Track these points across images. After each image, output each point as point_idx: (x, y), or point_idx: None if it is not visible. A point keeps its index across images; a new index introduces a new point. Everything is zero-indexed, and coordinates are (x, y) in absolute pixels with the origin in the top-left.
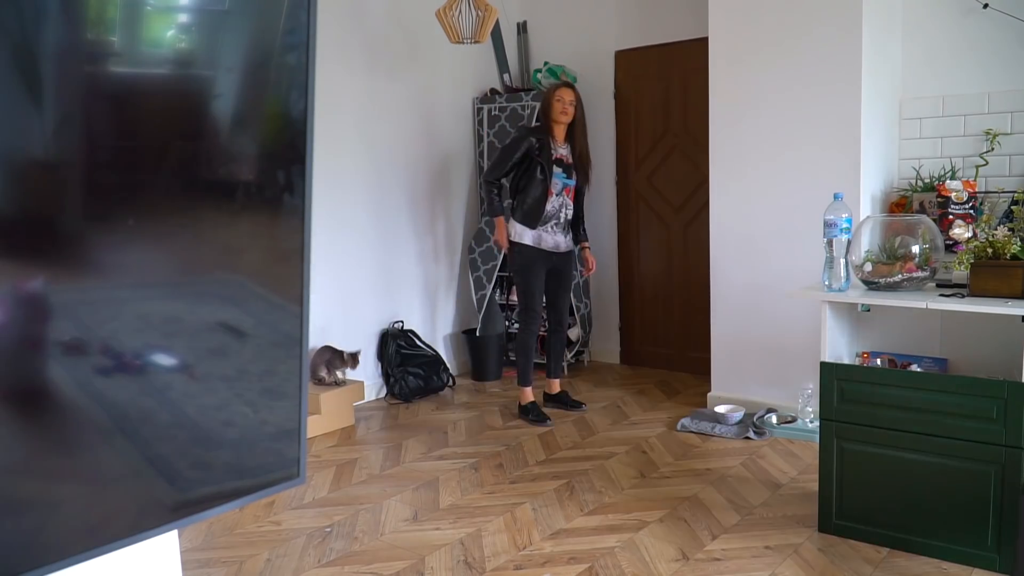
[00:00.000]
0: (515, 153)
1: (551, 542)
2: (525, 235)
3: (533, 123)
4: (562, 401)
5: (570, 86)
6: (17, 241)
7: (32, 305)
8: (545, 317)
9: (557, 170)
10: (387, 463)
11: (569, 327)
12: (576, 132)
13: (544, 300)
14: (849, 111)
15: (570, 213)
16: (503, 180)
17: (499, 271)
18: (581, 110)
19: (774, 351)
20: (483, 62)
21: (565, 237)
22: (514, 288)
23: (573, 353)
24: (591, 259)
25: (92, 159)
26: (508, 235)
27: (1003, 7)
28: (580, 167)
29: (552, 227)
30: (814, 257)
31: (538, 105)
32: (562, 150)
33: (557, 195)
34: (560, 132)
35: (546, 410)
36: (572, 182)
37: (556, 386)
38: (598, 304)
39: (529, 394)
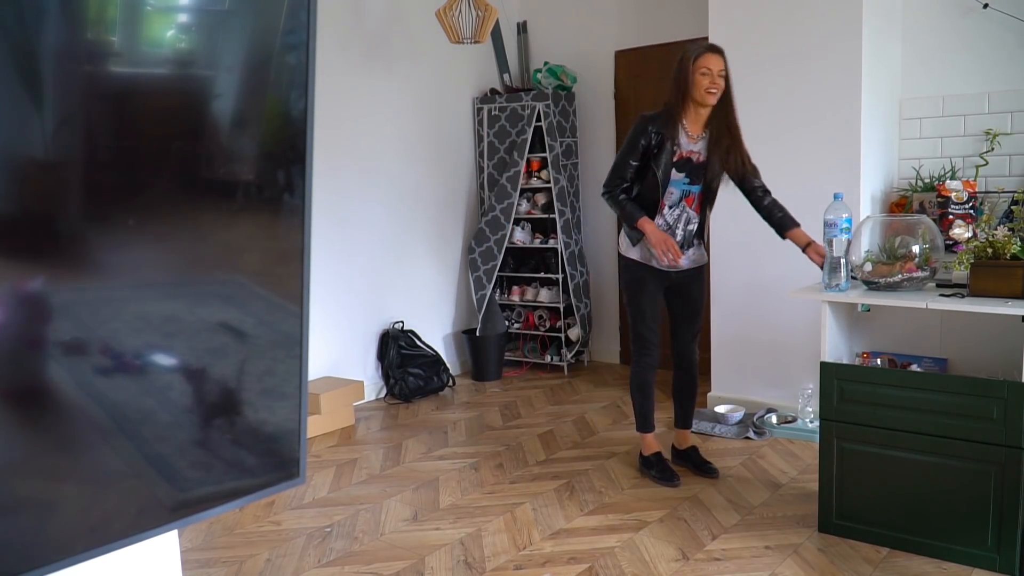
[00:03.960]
0: (633, 153)
1: (551, 542)
2: (631, 248)
3: (666, 105)
4: (691, 460)
5: (719, 51)
6: (17, 241)
7: (32, 305)
8: (671, 351)
9: (678, 175)
10: (387, 463)
11: (569, 327)
12: (723, 117)
13: (672, 327)
14: (849, 111)
15: (694, 228)
16: (627, 184)
17: (499, 271)
18: (730, 84)
19: (774, 351)
20: (483, 62)
21: (686, 251)
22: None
23: (573, 353)
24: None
25: (92, 159)
26: (633, 241)
27: (1003, 7)
28: (719, 164)
29: None
30: None
31: (539, 104)
32: (694, 145)
33: (672, 207)
34: (699, 118)
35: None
36: (697, 188)
37: (687, 438)
38: (598, 304)
39: (651, 443)
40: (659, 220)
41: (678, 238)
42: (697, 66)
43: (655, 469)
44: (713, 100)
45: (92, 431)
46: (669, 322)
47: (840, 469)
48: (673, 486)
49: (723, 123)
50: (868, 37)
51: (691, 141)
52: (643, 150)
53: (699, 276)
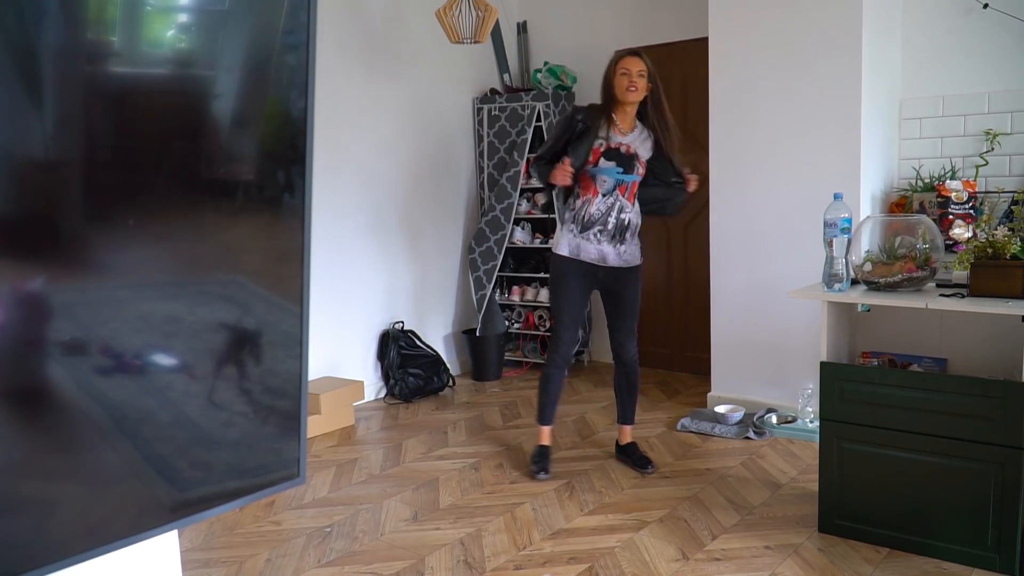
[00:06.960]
0: (560, 136)
1: (551, 542)
2: (561, 243)
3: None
4: (630, 456)
5: (637, 54)
6: (17, 241)
7: (32, 305)
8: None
9: (607, 163)
10: (387, 463)
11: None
12: (652, 114)
13: (581, 324)
14: (849, 111)
15: (627, 217)
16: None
17: (499, 271)
18: (657, 85)
19: (774, 351)
20: (483, 62)
21: (617, 247)
22: (511, 289)
23: (573, 353)
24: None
25: (92, 159)
26: (558, 243)
27: (1003, 7)
28: (662, 159)
29: (596, 234)
30: (814, 257)
31: (539, 104)
32: (623, 139)
33: (605, 195)
34: (627, 116)
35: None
36: (631, 178)
37: (626, 434)
38: (597, 304)
39: (544, 435)
40: (593, 207)
41: (609, 227)
42: (617, 68)
43: (532, 458)
44: (633, 98)
45: (92, 431)
46: (606, 321)
47: (840, 469)
48: (537, 479)
49: (658, 119)
50: (868, 37)
51: (620, 135)
52: (570, 135)
53: (632, 276)
